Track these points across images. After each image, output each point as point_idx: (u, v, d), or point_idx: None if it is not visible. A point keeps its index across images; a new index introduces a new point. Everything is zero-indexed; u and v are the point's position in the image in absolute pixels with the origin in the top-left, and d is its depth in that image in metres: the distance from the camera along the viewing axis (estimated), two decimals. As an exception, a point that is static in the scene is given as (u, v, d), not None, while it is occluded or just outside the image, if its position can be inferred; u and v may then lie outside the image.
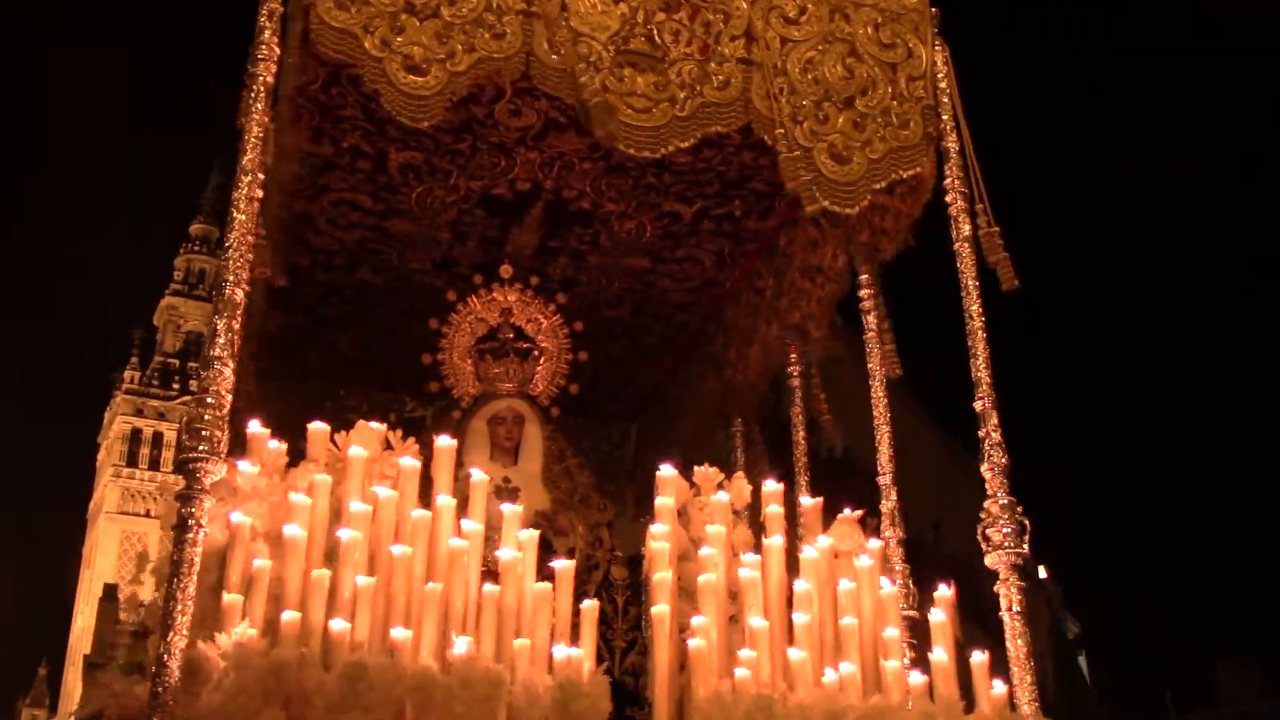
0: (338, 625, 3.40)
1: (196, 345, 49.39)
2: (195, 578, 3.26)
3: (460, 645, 3.45)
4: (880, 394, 4.84)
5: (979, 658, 3.94)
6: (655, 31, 4.25)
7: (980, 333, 4.23)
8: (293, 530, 3.60)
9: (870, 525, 4.66)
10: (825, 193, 4.28)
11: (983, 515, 4.01)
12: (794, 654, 3.83)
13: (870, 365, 4.91)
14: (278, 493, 3.87)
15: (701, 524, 4.48)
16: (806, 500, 4.83)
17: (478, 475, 4.15)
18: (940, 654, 3.95)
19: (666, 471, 4.48)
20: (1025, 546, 3.91)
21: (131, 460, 48.44)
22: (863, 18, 4.52)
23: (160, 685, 3.13)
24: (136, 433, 49.01)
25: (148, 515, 46.28)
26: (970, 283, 4.30)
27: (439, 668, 3.38)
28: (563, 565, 3.88)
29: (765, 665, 3.84)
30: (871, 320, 4.96)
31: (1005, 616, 3.92)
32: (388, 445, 4.23)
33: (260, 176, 3.79)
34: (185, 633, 3.17)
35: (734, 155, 5.08)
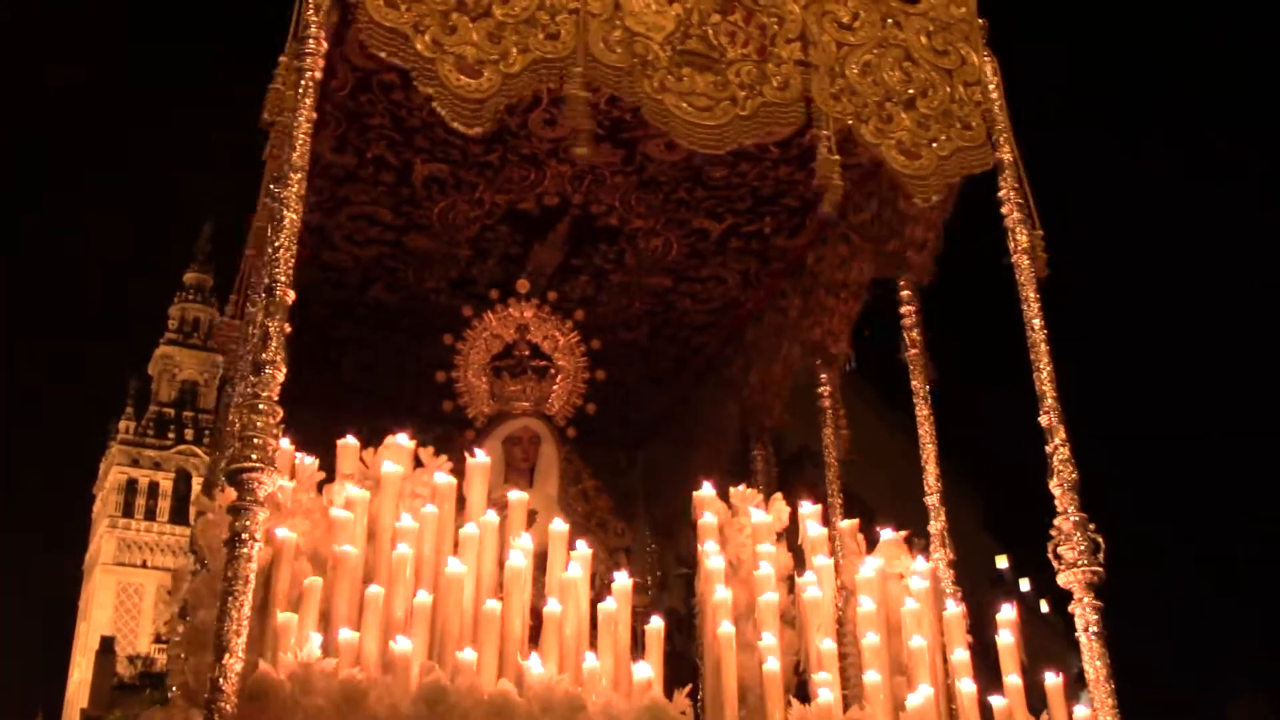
0: (401, 645, 3.20)
1: (192, 394, 49.11)
2: (250, 595, 3.04)
3: (535, 666, 3.26)
4: (925, 412, 4.71)
5: (1054, 680, 3.80)
6: (711, 33, 4.13)
7: (1043, 345, 4.12)
8: (345, 547, 3.40)
9: (918, 545, 4.55)
10: (905, 185, 4.20)
11: (1053, 533, 3.88)
12: (870, 677, 3.67)
13: (913, 383, 4.77)
14: (318, 509, 3.69)
15: (740, 545, 4.35)
16: (844, 524, 4.71)
17: (516, 495, 4.00)
18: (1014, 678, 3.81)
19: (707, 491, 4.35)
20: (1100, 564, 3.78)
21: (127, 511, 47.83)
22: (914, 25, 4.45)
23: (216, 712, 2.89)
24: (132, 483, 48.40)
25: (144, 566, 45.63)
26: (1030, 295, 4.20)
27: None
28: (621, 584, 3.71)
29: (837, 688, 3.69)
30: (915, 336, 4.84)
31: (1082, 637, 3.77)
32: (417, 463, 4.08)
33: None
34: (242, 654, 2.94)
35: (770, 169, 4.98)
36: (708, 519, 4.23)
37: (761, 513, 4.31)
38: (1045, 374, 4.08)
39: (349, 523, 3.52)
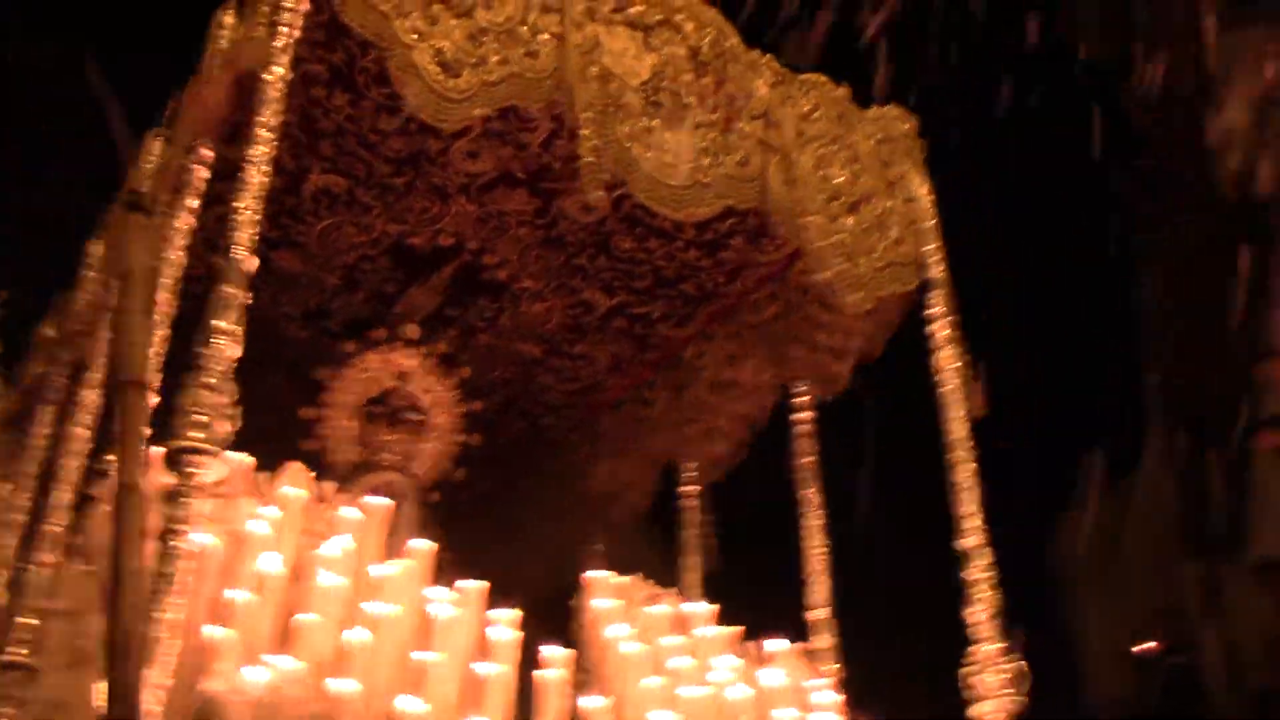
0: (346, 685, 2.73)
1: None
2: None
3: None
4: (817, 524, 4.55)
5: None
6: (683, 91, 3.95)
7: (967, 465, 4.03)
8: (271, 561, 2.91)
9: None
10: (841, 289, 4.12)
11: (964, 661, 3.74)
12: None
13: (806, 492, 4.61)
14: (232, 521, 3.19)
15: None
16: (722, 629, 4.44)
17: (421, 543, 3.59)
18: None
19: (598, 574, 4.04)
20: (1025, 695, 3.64)
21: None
22: (864, 129, 4.41)
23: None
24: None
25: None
26: (956, 415, 4.13)
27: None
28: (559, 652, 3.36)
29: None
30: (806, 445, 4.70)
31: None
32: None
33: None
34: (170, 670, 2.42)
35: (681, 250, 4.80)
36: (601, 604, 3.89)
37: (663, 605, 4.00)
38: (968, 496, 3.98)
39: (266, 538, 3.03)
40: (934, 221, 4.45)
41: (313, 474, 3.62)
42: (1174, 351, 10.45)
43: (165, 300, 3.55)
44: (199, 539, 2.86)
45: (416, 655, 3.15)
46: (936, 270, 4.35)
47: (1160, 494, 10.01)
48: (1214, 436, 9.38)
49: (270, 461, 5.18)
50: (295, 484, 3.41)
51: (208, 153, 3.82)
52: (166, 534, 2.55)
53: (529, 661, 4.01)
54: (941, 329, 4.25)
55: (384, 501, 3.58)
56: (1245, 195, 9.74)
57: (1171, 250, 11.17)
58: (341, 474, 4.84)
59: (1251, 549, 8.80)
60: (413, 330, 5.07)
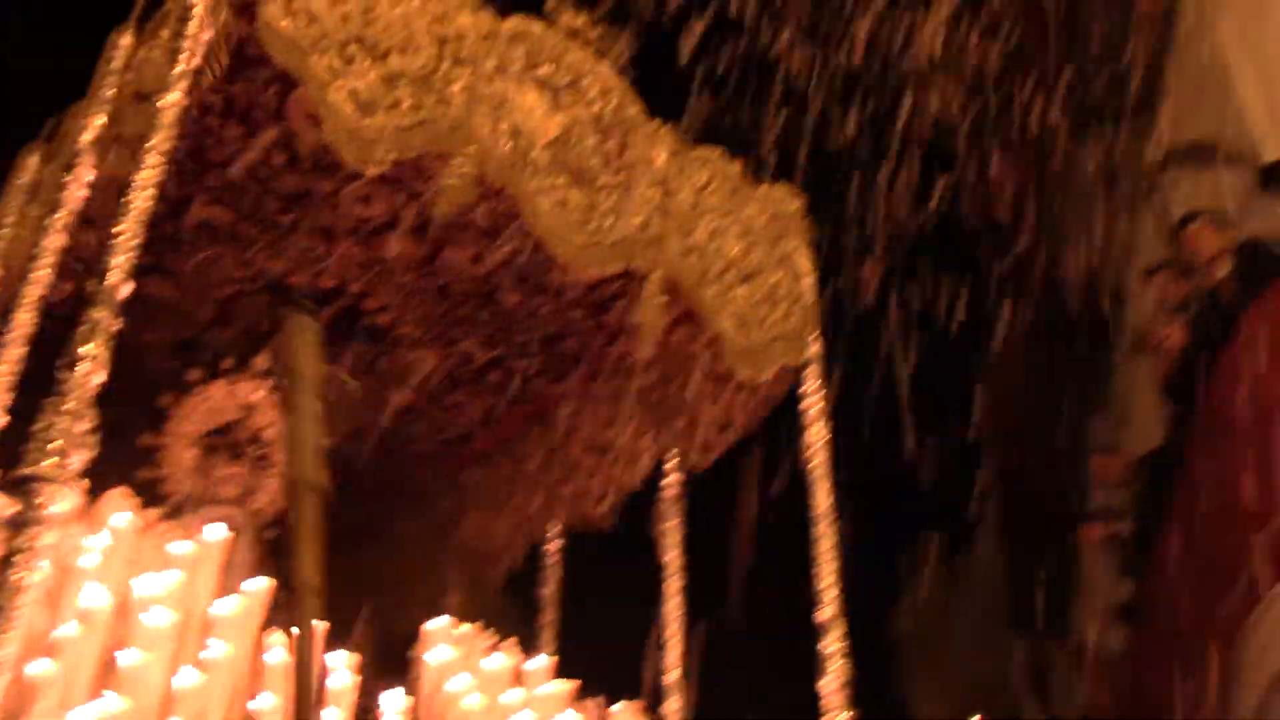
0: None
1: None
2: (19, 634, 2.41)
3: None
4: (677, 585, 4.61)
5: None
6: (587, 152, 4.03)
7: (829, 539, 4.16)
8: (97, 594, 2.80)
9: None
10: (733, 358, 4.19)
11: None
12: None
13: (666, 557, 4.67)
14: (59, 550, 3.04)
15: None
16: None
17: (259, 581, 3.50)
18: None
19: (439, 623, 3.99)
20: None
21: None
22: (756, 206, 4.55)
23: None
24: None
25: None
26: (822, 489, 4.26)
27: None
28: (398, 700, 3.29)
29: None
30: (676, 509, 4.77)
31: None
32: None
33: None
34: None
35: (565, 309, 4.83)
36: (437, 656, 3.85)
37: (501, 656, 3.98)
38: (828, 568, 4.10)
39: (96, 570, 2.92)
40: (814, 299, 4.60)
41: (142, 502, 3.50)
42: (1009, 441, 10.86)
43: (27, 320, 3.56)
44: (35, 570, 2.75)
45: (249, 700, 3.07)
46: (813, 347, 4.49)
47: (991, 576, 10.37)
48: (1044, 524, 9.76)
49: (104, 488, 5.02)
50: (120, 511, 3.29)
51: (88, 172, 3.70)
52: (5, 565, 2.45)
53: (366, 709, 3.98)
54: (813, 405, 4.38)
55: (220, 535, 3.48)
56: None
57: (1008, 343, 11.65)
58: (178, 505, 4.67)
59: (1074, 633, 9.16)
60: (262, 361, 4.93)
